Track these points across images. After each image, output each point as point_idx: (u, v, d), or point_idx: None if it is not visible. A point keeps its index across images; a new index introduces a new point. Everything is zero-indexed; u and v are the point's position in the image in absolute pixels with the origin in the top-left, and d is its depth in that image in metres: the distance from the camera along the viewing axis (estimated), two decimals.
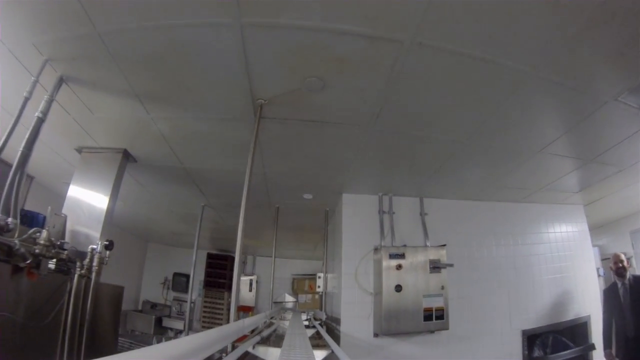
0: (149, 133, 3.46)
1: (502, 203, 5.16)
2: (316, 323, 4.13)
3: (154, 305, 9.46)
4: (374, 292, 4.22)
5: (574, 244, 5.37)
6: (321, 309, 5.76)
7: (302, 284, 9.34)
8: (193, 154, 3.95)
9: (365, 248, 4.40)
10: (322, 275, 5.60)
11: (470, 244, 4.82)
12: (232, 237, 6.95)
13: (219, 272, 9.23)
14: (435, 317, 4.05)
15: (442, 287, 4.15)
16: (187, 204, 5.66)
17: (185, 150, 3.87)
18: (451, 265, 4.22)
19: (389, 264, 4.06)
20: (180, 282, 9.66)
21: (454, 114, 3.01)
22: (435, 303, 4.09)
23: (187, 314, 9.74)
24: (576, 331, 4.98)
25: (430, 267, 4.15)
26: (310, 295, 9.17)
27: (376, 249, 4.35)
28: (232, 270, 9.32)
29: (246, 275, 9.64)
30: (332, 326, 4.60)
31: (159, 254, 10.08)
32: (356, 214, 4.56)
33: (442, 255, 4.26)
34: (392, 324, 3.91)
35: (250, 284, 9.44)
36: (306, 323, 4.34)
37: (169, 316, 9.41)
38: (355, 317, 4.15)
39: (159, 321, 8.95)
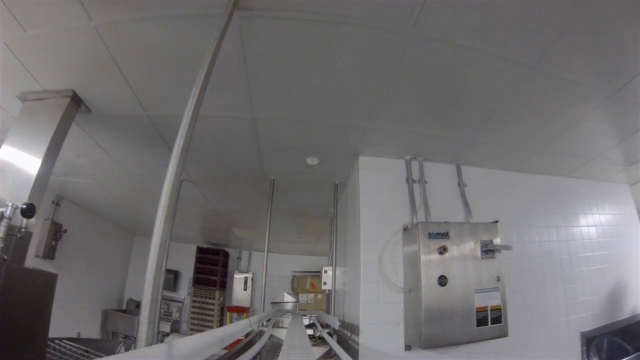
0: (97, 60, 2.39)
1: (547, 177, 3.95)
2: (324, 332, 2.87)
3: (139, 305, 8.15)
4: (407, 287, 2.93)
5: (623, 228, 4.26)
6: (328, 312, 4.52)
7: (303, 282, 8.08)
8: (155, 90, 2.72)
9: (391, 228, 3.13)
10: (329, 269, 4.36)
11: (518, 225, 3.57)
12: (224, 228, 5.74)
13: (209, 268, 7.95)
14: (491, 320, 2.81)
15: (498, 279, 2.90)
16: (162, 177, 4.39)
17: (145, 86, 2.67)
18: (509, 247, 2.99)
19: (428, 246, 2.78)
20: (167, 279, 8.39)
21: (526, 20, 1.93)
22: (490, 300, 2.83)
23: (174, 314, 8.60)
24: (633, 331, 3.82)
25: (481, 251, 2.91)
26: (312, 295, 7.90)
27: (406, 229, 3.08)
28: (224, 266, 8.08)
29: (240, 272, 8.38)
30: (344, 336, 3.33)
31: (146, 248, 8.72)
32: (378, 184, 3.29)
33: (494, 235, 3.00)
34: (434, 332, 2.62)
35: (245, 282, 8.17)
36: (310, 332, 3.10)
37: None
38: (380, 324, 2.87)
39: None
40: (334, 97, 2.60)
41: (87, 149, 3.69)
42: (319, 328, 3.10)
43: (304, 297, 7.92)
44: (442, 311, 2.64)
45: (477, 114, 2.81)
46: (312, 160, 3.53)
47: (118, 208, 6.34)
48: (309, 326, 3.62)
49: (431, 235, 2.81)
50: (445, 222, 2.95)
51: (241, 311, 7.76)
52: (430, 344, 2.61)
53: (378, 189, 3.26)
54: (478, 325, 2.74)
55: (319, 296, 7.78)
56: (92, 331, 7.21)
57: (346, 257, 3.73)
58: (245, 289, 8.14)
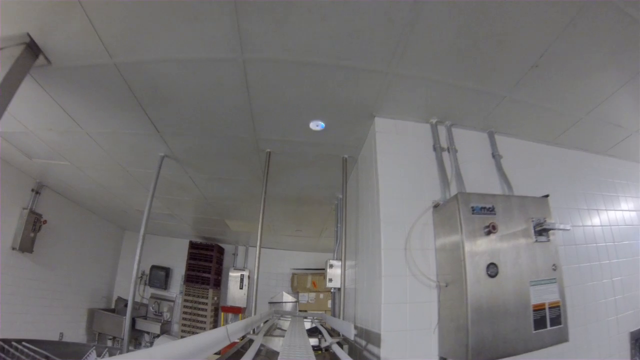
0: None
1: (585, 153, 3.28)
2: (332, 342, 2.13)
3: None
4: (442, 281, 2.19)
5: None
6: (334, 314, 3.80)
7: (303, 280, 7.34)
8: (122, 30, 2.06)
9: (417, 206, 2.40)
10: (336, 263, 3.66)
11: (558, 207, 2.85)
12: (216, 220, 5.05)
13: (202, 265, 7.22)
14: (550, 322, 2.10)
15: (554, 267, 2.19)
16: (141, 154, 3.72)
17: (110, 24, 2.05)
18: (567, 228, 2.28)
19: (472, 224, 2.05)
20: (158, 276, 7.69)
21: None
22: (548, 295, 2.10)
23: (164, 314, 7.87)
24: None
25: (534, 232, 2.21)
26: (313, 294, 7.16)
27: (437, 206, 2.37)
28: (219, 263, 7.35)
29: (236, 269, 7.66)
30: (357, 346, 2.59)
31: (136, 244, 8.09)
32: (399, 151, 2.57)
33: (546, 212, 2.28)
34: (485, 339, 1.88)
35: (241, 280, 7.45)
36: (313, 341, 2.37)
37: (145, 317, 7.42)
38: (407, 331, 2.12)
39: (131, 322, 6.92)
40: (347, 28, 1.91)
41: (54, 117, 3.10)
42: (325, 336, 2.38)
43: (305, 297, 7.19)
44: (493, 311, 1.92)
45: (523, 58, 2.14)
46: (316, 125, 2.81)
47: (103, 198, 5.67)
48: (311, 332, 2.92)
49: (474, 210, 2.09)
50: (490, 194, 2.24)
51: (237, 312, 7.04)
52: (479, 357, 1.86)
53: (399, 158, 2.54)
54: (536, 328, 2.03)
55: (321, 296, 7.05)
56: (77, 332, 6.54)
57: (358, 247, 3.01)
58: (241, 288, 7.41)
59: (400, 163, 2.52)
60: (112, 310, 7.29)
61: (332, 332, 2.93)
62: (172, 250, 7.86)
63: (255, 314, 2.79)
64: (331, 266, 3.62)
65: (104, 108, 2.92)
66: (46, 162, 4.35)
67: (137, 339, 7.28)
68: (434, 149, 2.62)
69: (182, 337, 6.90)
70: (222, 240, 7.80)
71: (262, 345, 2.18)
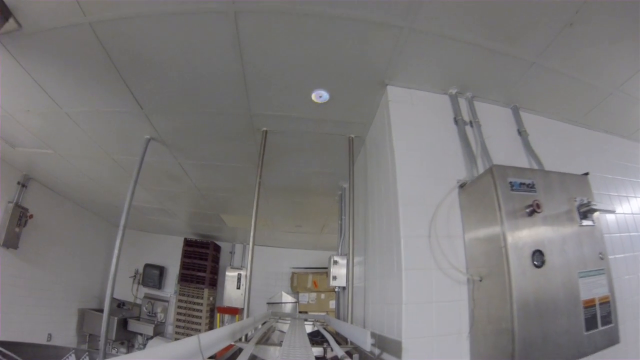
0: None
1: (611, 136, 2.91)
2: (343, 356, 1.72)
3: (121, 304, 7.08)
4: (475, 274, 1.76)
5: None
6: (339, 316, 3.42)
7: (304, 279, 6.93)
8: None
9: (439, 186, 2.01)
10: (340, 259, 3.27)
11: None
12: (211, 215, 4.65)
13: (198, 264, 6.82)
14: (601, 321, 1.73)
15: (602, 256, 1.82)
16: (125, 137, 3.34)
17: None
18: (612, 210, 1.91)
19: (512, 203, 1.66)
20: (152, 275, 7.29)
21: None
22: (597, 289, 1.72)
23: (158, 315, 7.47)
24: None
25: (579, 214, 1.83)
26: (314, 295, 6.76)
27: (464, 185, 1.98)
28: (215, 261, 6.96)
29: (233, 268, 7.25)
30: (370, 355, 2.12)
31: (130, 241, 7.69)
32: (416, 124, 2.18)
33: (587, 192, 1.89)
34: (533, 344, 1.48)
35: (239, 280, 7.04)
36: (317, 352, 1.98)
37: (138, 318, 7.02)
38: (434, 337, 1.71)
39: (123, 324, 6.56)
40: None
41: (31, 96, 2.79)
42: (332, 345, 1.99)
43: (305, 297, 6.78)
44: (541, 309, 1.52)
45: (558, 13, 1.79)
46: (319, 97, 2.42)
47: (92, 192, 5.30)
48: (313, 336, 2.55)
49: (513, 186, 1.71)
50: (528, 168, 1.86)
51: (234, 312, 6.63)
52: None
53: (416, 131, 2.14)
54: (587, 329, 1.65)
55: (323, 296, 6.65)
56: (67, 333, 6.14)
57: (367, 241, 2.60)
58: (238, 288, 7.00)
59: (417, 137, 2.13)
60: (102, 311, 6.89)
61: (337, 337, 2.55)
62: (167, 248, 7.46)
63: (247, 316, 2.39)
64: (335, 263, 3.24)
65: (82, 81, 2.56)
66: (30, 152, 4.02)
67: (129, 341, 6.89)
68: (455, 121, 2.25)
69: (176, 339, 6.53)
70: (218, 237, 7.40)
71: (253, 356, 1.79)
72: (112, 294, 2.93)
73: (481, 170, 1.99)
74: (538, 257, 1.59)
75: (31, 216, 4.98)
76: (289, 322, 3.29)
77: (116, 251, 2.99)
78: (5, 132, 3.53)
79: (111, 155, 3.82)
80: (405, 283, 1.74)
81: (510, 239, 1.57)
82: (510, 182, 1.71)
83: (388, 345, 1.79)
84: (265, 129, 2.86)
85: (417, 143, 2.10)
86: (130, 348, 6.94)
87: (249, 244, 7.07)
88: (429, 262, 1.80)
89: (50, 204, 5.48)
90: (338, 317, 3.35)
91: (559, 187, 1.83)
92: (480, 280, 1.69)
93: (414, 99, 2.28)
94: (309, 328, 3.17)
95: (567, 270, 1.66)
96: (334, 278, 3.17)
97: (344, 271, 3.18)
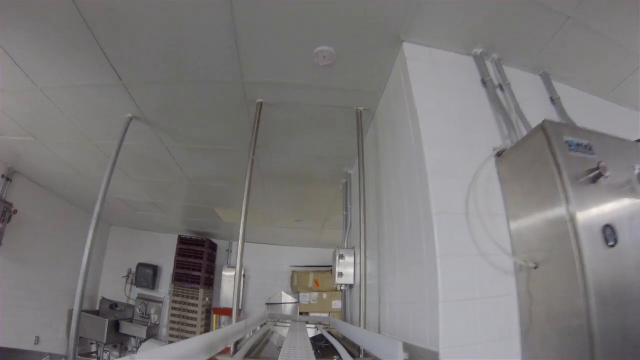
0: None
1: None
2: None
3: (114, 306, 6.68)
4: (529, 260, 1.32)
5: None
6: (345, 317, 3.01)
7: (305, 279, 6.51)
8: None
9: (471, 155, 1.60)
10: (347, 253, 2.87)
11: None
12: (206, 210, 4.18)
13: (192, 263, 6.40)
14: None
15: None
16: (106, 117, 2.95)
17: None
18: None
19: (573, 166, 1.24)
20: (145, 275, 6.88)
21: None
22: None
23: (152, 317, 7.07)
24: None
25: None
26: (316, 295, 6.34)
27: (501, 154, 1.58)
28: (211, 260, 6.55)
29: (231, 267, 6.85)
30: None
31: (123, 240, 7.37)
32: (438, 84, 1.78)
33: None
34: (614, 345, 1.06)
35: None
36: None
37: (132, 320, 6.63)
38: (480, 344, 1.27)
39: (115, 326, 6.16)
40: None
41: (2, 70, 2.46)
42: (344, 357, 1.59)
43: (307, 297, 6.36)
44: (618, 298, 1.14)
45: None
46: (322, 57, 2.03)
47: (79, 185, 4.92)
48: (316, 342, 2.16)
49: (571, 147, 1.34)
50: (582, 128, 1.47)
51: (230, 314, 6.24)
52: None
53: (440, 93, 1.73)
54: None
55: (325, 296, 6.23)
56: (56, 336, 5.75)
57: (382, 227, 2.16)
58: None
59: (441, 99, 1.73)
60: (97, 313, 6.52)
61: (344, 342, 2.15)
62: (161, 246, 7.06)
63: (237, 320, 1.99)
64: (341, 257, 2.83)
65: (55, 49, 2.22)
66: (11, 140, 3.66)
67: (122, 344, 6.49)
68: (484, 83, 1.86)
69: (170, 342, 6.12)
70: (214, 235, 6.98)
71: None
72: (83, 292, 2.55)
73: (521, 135, 1.60)
74: (610, 233, 1.20)
75: (15, 211, 4.64)
76: (288, 325, 2.89)
77: (88, 243, 2.60)
78: None
79: (93, 140, 3.44)
80: (442, 275, 1.32)
81: (578, 211, 1.18)
82: (567, 142, 1.32)
83: (418, 356, 1.37)
84: (260, 100, 2.45)
85: (442, 106, 1.71)
86: (123, 351, 6.54)
87: (247, 242, 6.66)
88: (469, 246, 1.39)
89: (37, 200, 5.14)
90: (345, 319, 2.95)
91: (615, 152, 1.44)
92: (536, 268, 1.29)
93: (435, 58, 1.89)
94: (311, 332, 2.77)
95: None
96: (340, 275, 2.77)
97: (351, 267, 2.78)
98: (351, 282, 2.75)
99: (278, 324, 2.96)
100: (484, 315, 1.29)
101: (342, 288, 2.97)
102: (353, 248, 2.88)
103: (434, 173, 1.49)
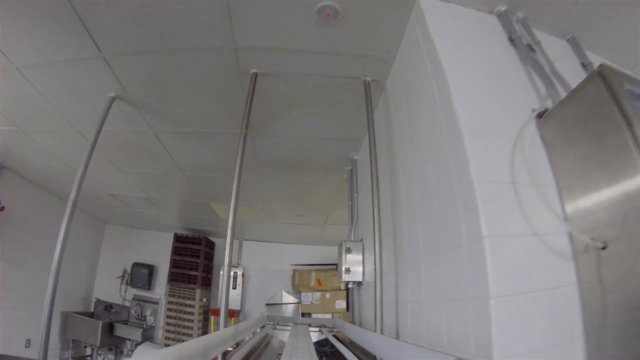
0: None
1: None
2: None
3: (108, 307, 6.41)
4: (598, 240, 1.00)
5: None
6: (353, 319, 2.70)
7: (306, 277, 6.20)
8: None
9: (508, 118, 1.28)
10: (354, 246, 2.56)
11: None
12: (202, 205, 3.88)
13: (189, 262, 6.10)
14: None
15: None
16: (87, 98, 2.67)
17: None
18: None
19: None
20: (140, 275, 6.59)
21: None
22: None
23: (148, 318, 6.78)
24: None
25: None
26: (318, 294, 6.03)
27: (544, 115, 1.27)
28: (209, 259, 6.22)
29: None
30: None
31: (118, 239, 7.10)
32: (461, 39, 1.48)
33: None
34: None
35: (235, 280, 6.36)
36: None
37: (127, 322, 6.35)
38: (541, 351, 0.95)
39: (109, 328, 5.88)
40: None
41: None
42: None
43: (308, 297, 6.05)
44: None
45: None
46: (326, 13, 1.72)
47: (68, 179, 4.63)
48: (320, 347, 1.87)
49: (634, 95, 1.05)
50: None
51: (229, 315, 5.94)
52: None
53: (465, 49, 1.42)
54: None
55: (328, 295, 5.91)
56: (50, 339, 5.46)
57: (399, 212, 1.85)
58: (234, 287, 6.32)
59: (466, 52, 1.42)
60: (91, 314, 6.24)
61: (352, 347, 1.86)
62: (157, 245, 6.77)
63: (225, 325, 1.68)
64: (348, 251, 2.53)
65: (29, 19, 1.97)
66: None
67: (118, 347, 6.20)
68: (511, 41, 1.57)
69: (165, 345, 5.83)
70: (212, 232, 6.68)
71: None
72: (54, 289, 2.25)
73: (564, 94, 1.31)
74: None
75: (2, 208, 4.43)
76: (289, 329, 2.58)
77: (61, 233, 2.31)
78: None
79: (76, 126, 3.17)
80: (492, 261, 1.00)
81: None
82: (629, 90, 1.04)
83: None
84: (254, 70, 2.14)
85: (469, 60, 1.41)
86: (118, 355, 6.26)
87: (246, 239, 6.35)
88: (520, 224, 1.08)
89: (26, 196, 4.90)
90: (353, 321, 2.65)
91: None
92: (604, 248, 1.00)
93: (454, 13, 1.60)
94: (314, 336, 2.47)
95: None
96: (347, 271, 2.47)
97: (359, 262, 2.48)
98: (359, 278, 2.45)
99: (278, 326, 2.66)
100: (542, 313, 0.99)
101: (350, 286, 2.67)
102: (361, 240, 2.58)
103: (469, 131, 1.18)
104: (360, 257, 2.51)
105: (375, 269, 1.68)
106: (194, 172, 3.81)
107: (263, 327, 2.51)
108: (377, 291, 1.64)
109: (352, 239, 2.80)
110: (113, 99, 2.60)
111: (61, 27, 2.01)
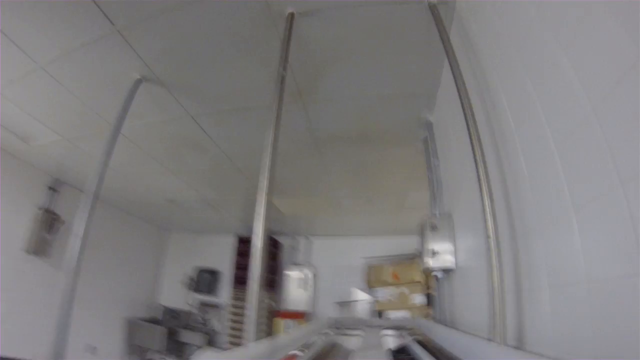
0: None
1: None
2: None
3: (174, 313, 6.46)
4: None
5: None
6: (438, 319, 2.14)
7: (380, 271, 5.65)
8: None
9: None
10: (439, 223, 2.03)
11: None
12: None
13: None
14: None
15: None
16: (112, 87, 2.42)
17: None
18: None
19: None
20: (205, 280, 6.57)
21: None
22: None
23: (212, 323, 6.64)
24: None
25: None
26: (394, 290, 5.47)
27: None
28: (274, 259, 5.90)
29: (298, 265, 6.26)
30: None
31: (183, 246, 7.19)
32: None
33: None
34: None
35: (304, 281, 6.04)
36: None
37: (192, 328, 6.33)
38: None
39: (173, 334, 5.89)
40: None
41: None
42: None
43: (384, 293, 5.52)
44: None
45: None
46: None
47: (122, 188, 4.66)
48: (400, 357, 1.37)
49: None
50: None
51: (297, 317, 5.63)
52: None
53: None
54: None
55: (406, 290, 5.35)
56: (114, 345, 5.64)
57: (506, 152, 1.33)
58: (304, 289, 6.01)
59: None
60: (158, 321, 6.31)
61: (442, 356, 1.35)
62: (220, 249, 6.68)
63: (255, 338, 1.19)
64: (433, 228, 2.03)
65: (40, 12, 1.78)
66: (44, 145, 3.55)
67: (183, 353, 6.20)
68: None
69: (228, 348, 5.68)
70: (277, 231, 6.41)
71: None
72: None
73: None
74: None
75: (64, 222, 4.58)
76: (358, 334, 2.09)
77: (82, 227, 2.06)
78: (7, 122, 3.11)
79: (109, 121, 3.01)
80: None
81: None
82: None
83: None
84: (291, 10, 1.73)
85: None
86: None
87: (316, 235, 5.90)
88: None
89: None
90: (438, 320, 2.14)
91: None
92: None
93: None
94: (392, 341, 1.99)
95: None
96: (433, 254, 1.97)
97: (449, 242, 1.97)
98: (450, 264, 1.93)
99: (346, 332, 2.17)
100: None
101: (438, 275, 2.14)
102: (449, 214, 2.06)
103: None
104: (449, 236, 1.99)
105: (490, 242, 1.15)
106: (244, 160, 3.48)
107: (326, 333, 2.04)
108: (495, 278, 1.12)
109: (438, 212, 2.28)
110: (140, 82, 2.34)
111: (68, 8, 1.81)
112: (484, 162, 1.27)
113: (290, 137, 2.96)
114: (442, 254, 1.97)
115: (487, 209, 1.18)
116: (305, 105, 2.50)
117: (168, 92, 2.47)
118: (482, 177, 1.24)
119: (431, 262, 1.95)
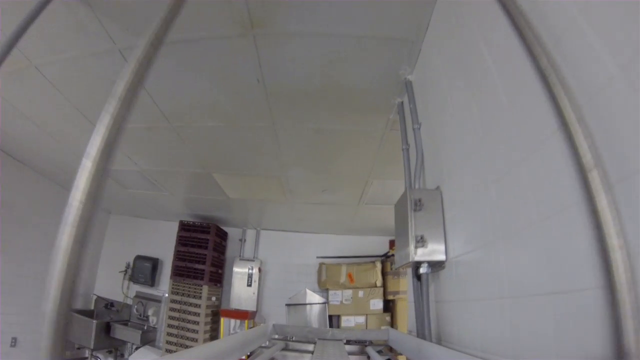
0: None
1: None
2: None
3: (109, 305, 5.51)
4: None
5: None
6: (419, 331, 1.50)
7: (335, 272, 4.99)
8: None
9: None
10: (425, 198, 1.41)
11: None
12: (202, 177, 3.04)
13: (195, 253, 5.02)
14: None
15: None
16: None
17: None
18: None
19: None
20: (143, 269, 5.64)
21: None
22: None
23: (150, 319, 5.77)
24: None
25: None
26: (349, 292, 4.81)
27: None
28: (220, 251, 4.57)
29: (244, 260, 5.49)
30: None
31: (122, 230, 6.22)
32: None
33: None
34: None
35: (250, 276, 5.29)
36: None
37: (126, 322, 5.42)
38: None
39: (106, 329, 4.96)
40: None
41: None
42: None
43: (338, 296, 4.85)
44: None
45: None
46: None
47: (66, 163, 3.81)
48: None
49: None
50: None
51: (242, 317, 4.86)
52: None
53: None
54: None
55: (361, 293, 4.73)
56: (35, 337, 4.60)
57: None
58: (249, 285, 5.25)
59: None
60: (91, 313, 5.37)
61: None
62: (163, 236, 5.78)
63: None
64: (418, 205, 1.40)
65: None
66: None
67: (118, 350, 5.28)
68: None
69: (166, 350, 4.84)
70: (224, 221, 5.59)
71: None
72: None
73: None
74: None
75: None
76: (310, 349, 1.43)
77: None
78: None
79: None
80: None
81: None
82: None
83: None
84: None
85: None
86: (119, 358, 5.35)
87: (264, 229, 5.13)
88: None
89: (18, 179, 4.26)
90: (418, 334, 1.50)
91: None
92: None
93: None
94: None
95: None
96: (419, 241, 1.34)
97: (440, 226, 1.36)
98: (441, 256, 1.33)
99: (292, 344, 1.50)
100: None
101: (422, 271, 1.48)
102: (438, 188, 1.45)
103: None
104: (437, 219, 1.38)
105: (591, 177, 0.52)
106: (183, 120, 2.70)
107: (266, 346, 1.38)
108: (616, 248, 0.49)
109: (418, 184, 1.66)
110: None
111: None
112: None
113: (236, 88, 2.24)
114: (428, 241, 1.35)
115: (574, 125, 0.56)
116: (257, 41, 1.82)
117: (93, 14, 1.72)
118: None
119: (419, 253, 1.32)
